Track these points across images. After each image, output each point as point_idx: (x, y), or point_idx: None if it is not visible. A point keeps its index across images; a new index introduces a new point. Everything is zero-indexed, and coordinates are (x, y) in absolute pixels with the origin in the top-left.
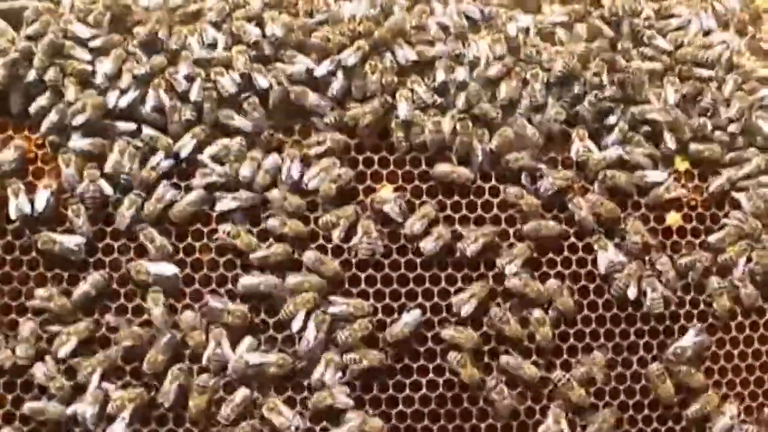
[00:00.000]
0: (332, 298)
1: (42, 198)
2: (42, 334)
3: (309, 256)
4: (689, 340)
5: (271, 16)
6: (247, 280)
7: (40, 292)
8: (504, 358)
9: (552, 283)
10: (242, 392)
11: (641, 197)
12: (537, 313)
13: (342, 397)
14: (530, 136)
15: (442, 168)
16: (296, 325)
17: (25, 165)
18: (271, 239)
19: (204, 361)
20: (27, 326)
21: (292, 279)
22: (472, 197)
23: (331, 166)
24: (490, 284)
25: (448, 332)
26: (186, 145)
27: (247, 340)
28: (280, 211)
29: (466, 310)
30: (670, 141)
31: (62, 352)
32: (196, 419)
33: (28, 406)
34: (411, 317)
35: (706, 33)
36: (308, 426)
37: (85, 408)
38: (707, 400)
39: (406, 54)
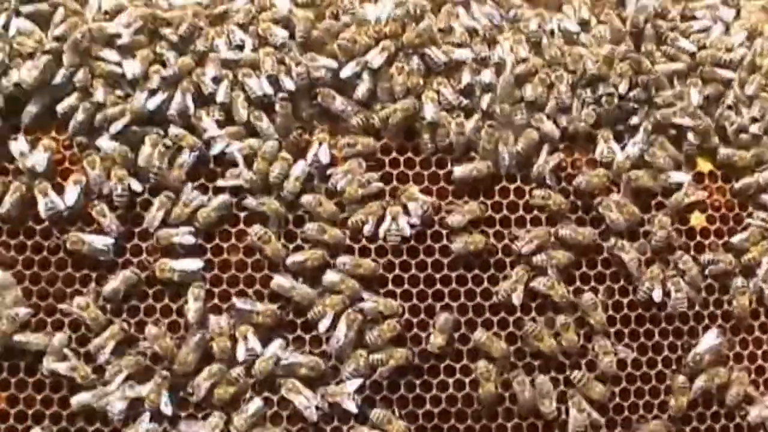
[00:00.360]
0: (364, 294)
1: (72, 193)
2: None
3: (344, 260)
4: (706, 344)
5: (297, 15)
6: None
7: (78, 301)
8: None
9: (587, 297)
10: (256, 403)
11: (665, 198)
12: (562, 318)
13: (349, 404)
14: (548, 131)
15: (461, 171)
16: (324, 326)
17: (54, 166)
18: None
19: (240, 358)
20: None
21: (330, 277)
22: (498, 198)
23: (357, 167)
24: (529, 267)
25: (478, 336)
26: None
27: (277, 342)
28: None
29: (517, 297)
30: (692, 141)
31: (102, 358)
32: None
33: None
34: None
35: (727, 32)
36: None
37: (114, 403)
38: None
39: (437, 57)
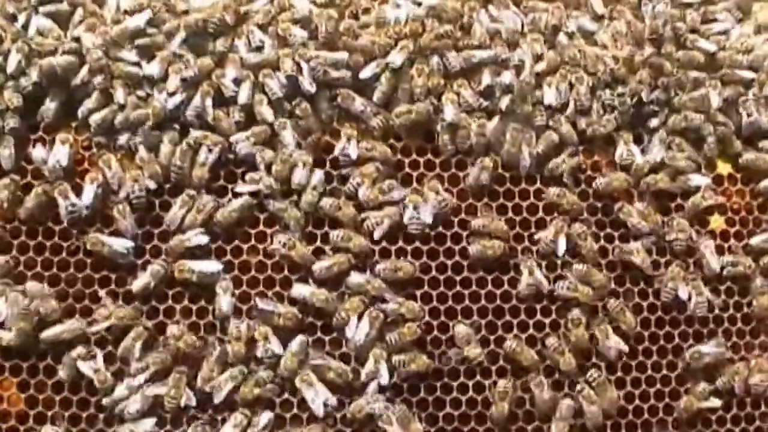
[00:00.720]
0: (387, 296)
1: (89, 192)
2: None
3: (384, 266)
4: (710, 348)
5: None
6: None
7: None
8: None
9: (613, 303)
10: (266, 416)
11: (685, 200)
12: (575, 312)
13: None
14: (565, 133)
15: (473, 173)
16: (351, 332)
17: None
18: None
19: (259, 354)
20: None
21: (355, 279)
22: (518, 200)
23: (374, 172)
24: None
25: (509, 344)
26: (242, 143)
27: (299, 338)
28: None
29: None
30: (711, 144)
31: (134, 363)
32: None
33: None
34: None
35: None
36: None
37: (129, 403)
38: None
39: (456, 60)
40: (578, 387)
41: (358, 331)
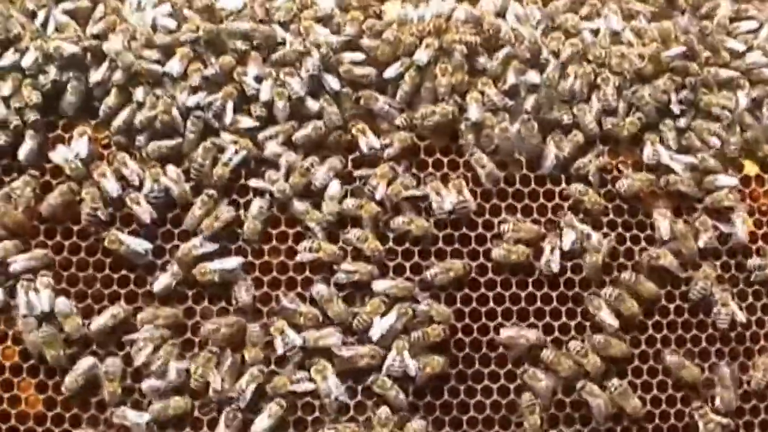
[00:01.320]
0: (419, 296)
1: (111, 182)
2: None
3: (435, 270)
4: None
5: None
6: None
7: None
8: None
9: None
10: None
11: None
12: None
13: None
14: (591, 135)
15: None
16: (377, 334)
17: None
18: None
19: (279, 351)
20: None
21: (382, 285)
22: (543, 200)
23: (389, 172)
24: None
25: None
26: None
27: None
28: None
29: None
30: (734, 144)
31: (139, 360)
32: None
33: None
34: None
35: None
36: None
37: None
38: None
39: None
40: (579, 384)
41: (383, 321)
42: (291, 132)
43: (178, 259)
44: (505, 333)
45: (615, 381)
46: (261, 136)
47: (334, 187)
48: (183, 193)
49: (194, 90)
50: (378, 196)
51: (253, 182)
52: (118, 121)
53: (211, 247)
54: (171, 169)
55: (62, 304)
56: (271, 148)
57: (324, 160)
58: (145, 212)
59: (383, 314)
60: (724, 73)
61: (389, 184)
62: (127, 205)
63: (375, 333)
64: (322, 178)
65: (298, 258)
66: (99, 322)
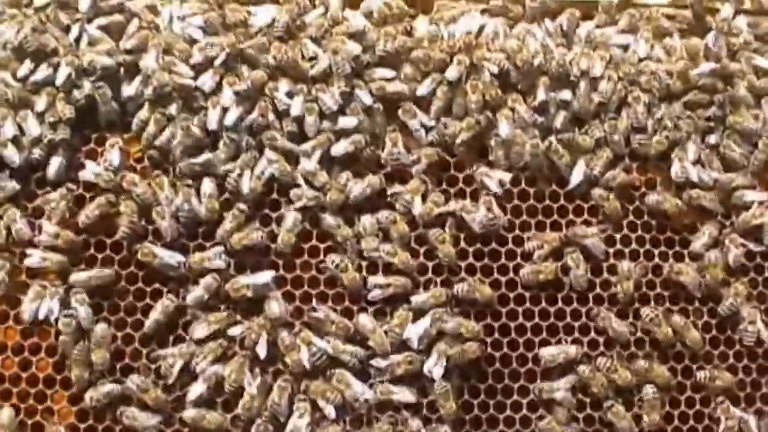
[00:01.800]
0: (446, 316)
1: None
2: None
3: (462, 287)
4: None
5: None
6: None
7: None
8: None
9: (677, 319)
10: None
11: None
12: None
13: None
14: (619, 151)
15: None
16: (414, 339)
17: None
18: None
19: (306, 364)
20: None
21: (419, 298)
22: (571, 216)
23: (420, 186)
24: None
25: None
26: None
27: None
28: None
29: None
30: (759, 159)
31: (171, 379)
32: None
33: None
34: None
35: None
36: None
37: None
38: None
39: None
40: (607, 404)
41: (417, 326)
42: (327, 145)
43: (189, 264)
44: (547, 351)
45: (648, 389)
46: (296, 150)
47: (367, 221)
48: (210, 212)
49: (225, 109)
50: (416, 211)
51: (293, 193)
52: (147, 134)
53: (223, 263)
54: (206, 182)
55: (101, 330)
56: (305, 164)
57: (358, 175)
58: (167, 229)
59: (413, 321)
60: (751, 90)
61: (424, 198)
62: (153, 217)
63: (413, 338)
64: (358, 193)
65: (322, 266)
66: (152, 318)
